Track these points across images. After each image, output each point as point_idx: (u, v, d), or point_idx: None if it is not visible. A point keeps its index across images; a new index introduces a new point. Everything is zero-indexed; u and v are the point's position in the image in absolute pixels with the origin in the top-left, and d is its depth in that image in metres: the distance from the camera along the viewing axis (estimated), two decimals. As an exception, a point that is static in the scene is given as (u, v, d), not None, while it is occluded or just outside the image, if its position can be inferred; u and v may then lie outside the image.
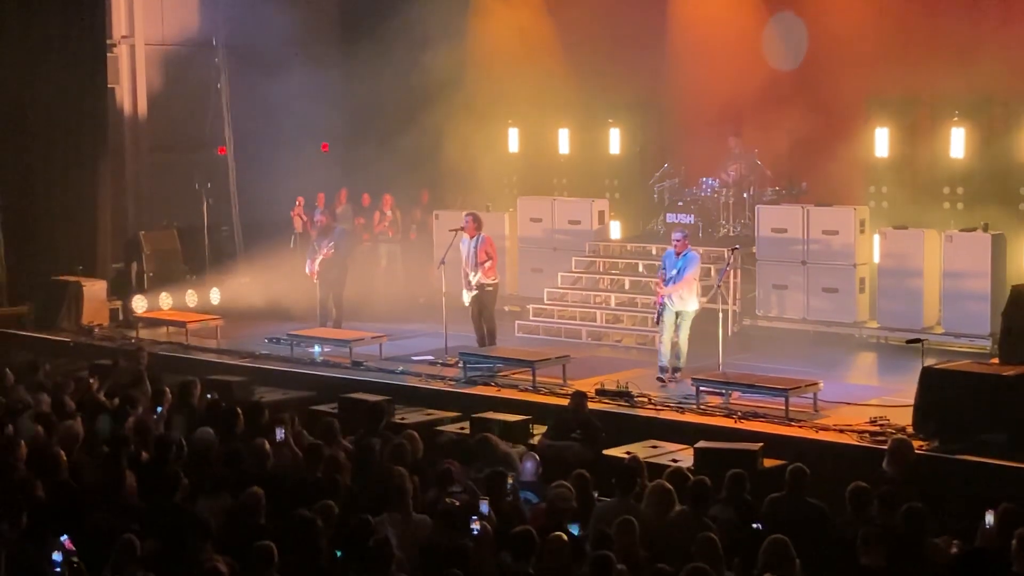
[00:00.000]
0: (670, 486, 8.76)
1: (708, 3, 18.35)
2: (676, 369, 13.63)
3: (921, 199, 16.50)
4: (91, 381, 13.09)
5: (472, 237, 15.12)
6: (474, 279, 15.03)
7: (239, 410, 10.83)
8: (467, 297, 15.14)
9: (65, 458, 9.41)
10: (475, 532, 7.85)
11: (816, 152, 16.97)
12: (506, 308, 17.60)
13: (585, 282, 17.60)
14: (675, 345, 13.65)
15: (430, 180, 20.60)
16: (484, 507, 8.25)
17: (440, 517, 8.03)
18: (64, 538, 7.58)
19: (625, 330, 16.44)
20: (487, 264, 14.99)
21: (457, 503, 8.16)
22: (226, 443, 10.24)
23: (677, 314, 13.62)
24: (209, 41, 20.79)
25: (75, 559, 7.43)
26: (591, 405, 12.12)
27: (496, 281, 15.27)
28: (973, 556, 7.08)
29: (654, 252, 16.86)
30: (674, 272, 13.57)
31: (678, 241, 13.64)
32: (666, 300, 13.61)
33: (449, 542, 7.74)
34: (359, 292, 17.41)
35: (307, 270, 16.69)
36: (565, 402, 12.16)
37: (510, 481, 9.09)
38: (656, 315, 13.85)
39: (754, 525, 8.34)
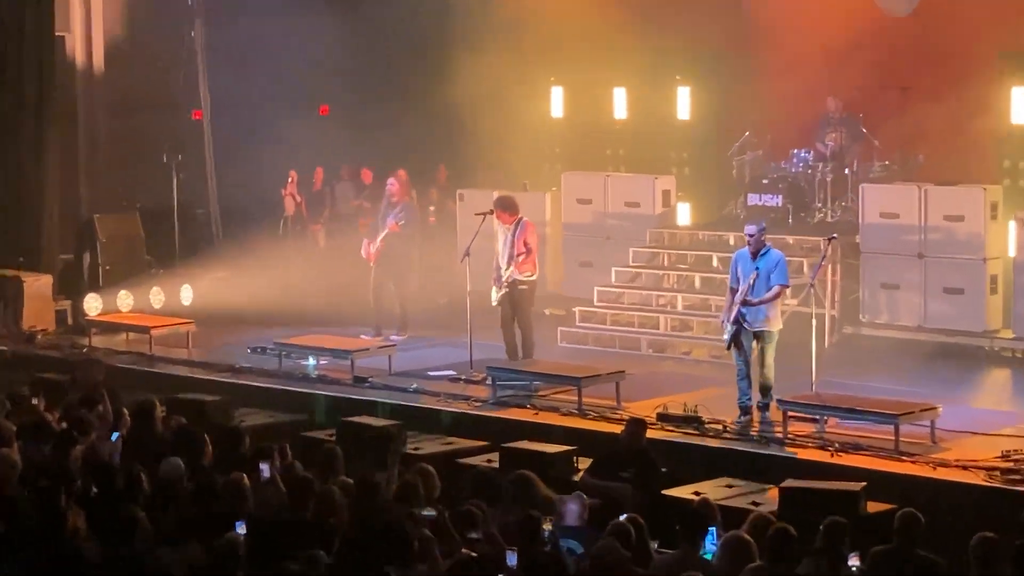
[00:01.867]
0: (748, 538, 8.70)
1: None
2: (763, 406, 12.98)
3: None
4: (33, 401, 13.15)
5: (509, 224, 15.10)
6: (505, 274, 14.99)
7: (208, 438, 10.87)
8: (496, 296, 15.11)
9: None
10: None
11: (936, 118, 16.89)
12: (547, 311, 17.61)
13: (645, 279, 17.58)
14: (760, 376, 13.03)
15: (451, 152, 20.63)
16: (511, 559, 8.24)
17: (455, 571, 8.01)
18: None
19: (695, 339, 16.41)
20: (520, 257, 14.93)
21: (475, 554, 8.14)
22: (196, 478, 10.28)
23: (757, 336, 12.98)
24: (182, -22, 20.93)
25: None
26: (651, 433, 12.09)
27: (533, 277, 15.18)
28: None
29: (732, 242, 16.80)
30: (753, 278, 12.81)
31: (752, 236, 12.94)
32: (741, 319, 12.92)
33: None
34: (363, 290, 17.38)
35: (363, 253, 16.90)
36: (618, 430, 12.13)
37: (547, 528, 9.07)
38: (727, 339, 13.20)
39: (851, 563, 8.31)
